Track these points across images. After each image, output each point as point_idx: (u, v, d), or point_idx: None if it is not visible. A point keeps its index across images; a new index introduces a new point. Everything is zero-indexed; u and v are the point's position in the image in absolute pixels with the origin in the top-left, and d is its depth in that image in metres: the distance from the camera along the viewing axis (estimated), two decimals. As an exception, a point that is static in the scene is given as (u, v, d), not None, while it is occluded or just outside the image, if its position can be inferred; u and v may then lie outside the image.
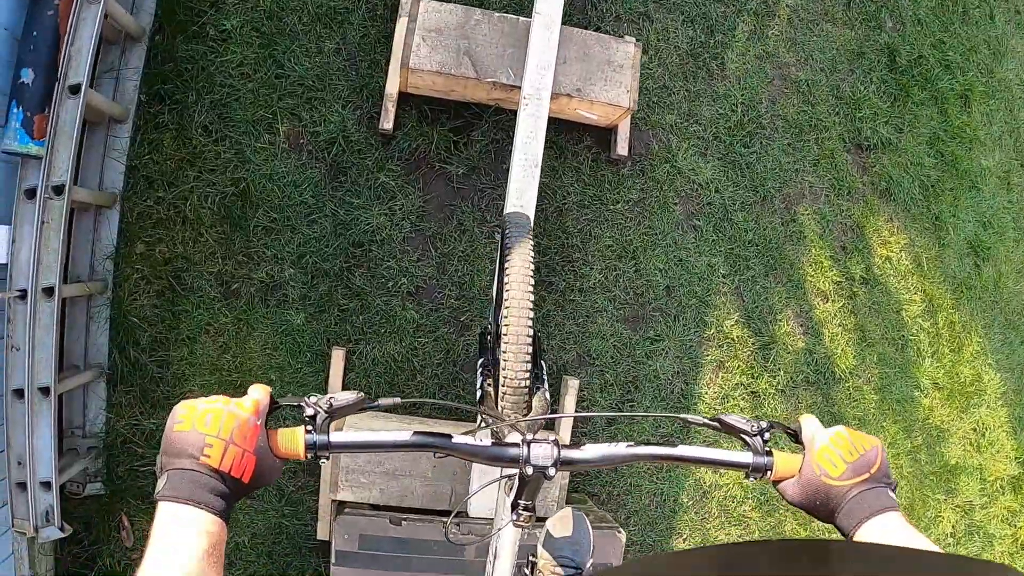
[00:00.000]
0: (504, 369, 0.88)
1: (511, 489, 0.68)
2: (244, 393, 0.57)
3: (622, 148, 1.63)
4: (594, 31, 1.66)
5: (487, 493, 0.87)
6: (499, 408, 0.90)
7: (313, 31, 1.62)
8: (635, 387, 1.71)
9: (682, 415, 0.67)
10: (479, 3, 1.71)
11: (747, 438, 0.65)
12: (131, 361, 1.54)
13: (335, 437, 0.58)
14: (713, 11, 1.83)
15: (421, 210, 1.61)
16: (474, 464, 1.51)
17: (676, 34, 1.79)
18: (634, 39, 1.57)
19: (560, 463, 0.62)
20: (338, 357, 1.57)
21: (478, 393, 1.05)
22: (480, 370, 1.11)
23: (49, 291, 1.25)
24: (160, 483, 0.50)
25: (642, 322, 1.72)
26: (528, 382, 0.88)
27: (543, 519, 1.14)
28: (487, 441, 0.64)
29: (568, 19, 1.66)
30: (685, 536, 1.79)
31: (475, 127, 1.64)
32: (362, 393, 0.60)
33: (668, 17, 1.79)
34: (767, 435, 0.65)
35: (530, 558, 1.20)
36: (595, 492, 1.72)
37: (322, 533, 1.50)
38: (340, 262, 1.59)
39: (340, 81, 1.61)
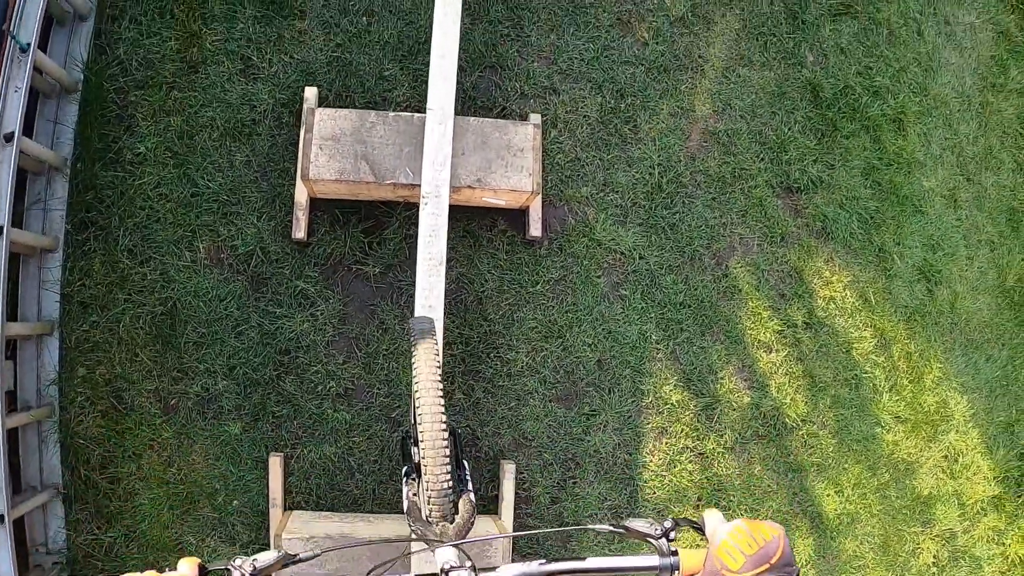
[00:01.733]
0: (425, 476, 0.91)
1: None
2: (174, 564, 0.64)
3: (535, 230, 1.65)
4: (498, 114, 1.69)
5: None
6: (425, 515, 0.93)
7: (223, 145, 1.68)
8: (576, 464, 1.73)
9: (589, 526, 0.75)
10: (384, 101, 1.73)
11: (653, 541, 0.68)
12: (83, 479, 1.63)
13: None
14: (620, 74, 1.85)
15: (342, 313, 1.65)
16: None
17: (585, 103, 1.81)
18: (536, 118, 1.60)
19: None
20: (276, 464, 1.62)
21: (404, 504, 1.06)
22: (404, 479, 1.13)
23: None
24: None
25: (576, 399, 1.74)
26: (450, 486, 0.91)
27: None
28: None
29: (473, 102, 1.70)
30: None
31: (386, 225, 1.68)
32: (284, 551, 0.67)
33: (575, 87, 1.81)
34: (672, 534, 0.68)
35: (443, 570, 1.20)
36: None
37: None
38: (269, 371, 1.64)
39: (253, 193, 1.67)
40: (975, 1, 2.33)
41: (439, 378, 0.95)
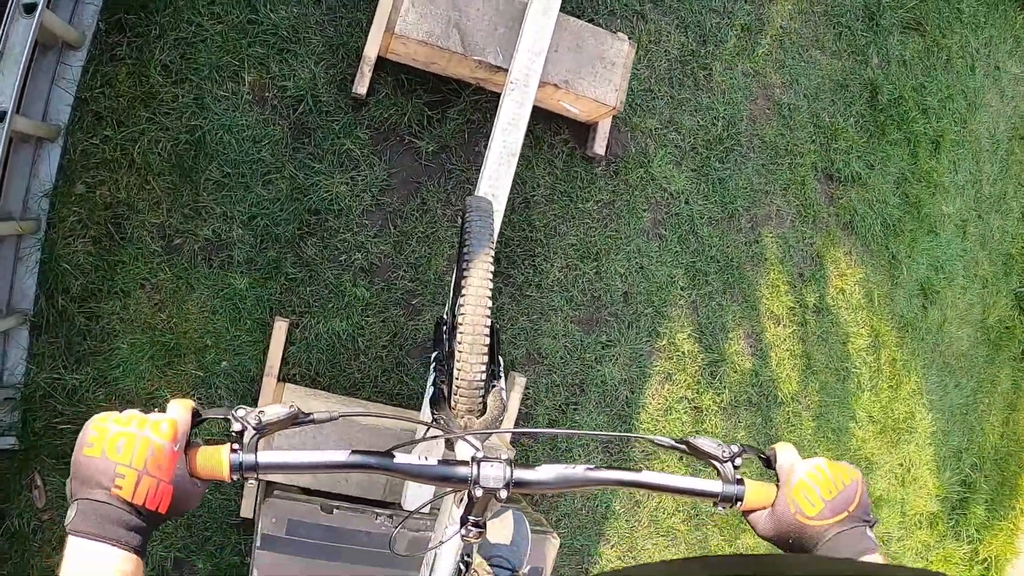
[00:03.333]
0: (459, 364, 0.84)
1: (460, 502, 0.64)
2: (164, 405, 0.54)
3: (599, 147, 1.64)
4: (588, 23, 1.65)
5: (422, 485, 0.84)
6: (452, 407, 0.87)
7: None
8: (581, 390, 1.74)
9: (649, 436, 0.66)
10: None
11: (717, 464, 0.62)
12: (58, 310, 1.47)
13: (263, 457, 0.54)
14: (708, 20, 1.85)
15: (385, 184, 1.59)
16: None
17: (668, 38, 1.80)
18: (628, 37, 1.57)
19: (513, 485, 0.59)
20: (280, 329, 1.54)
21: (429, 390, 1.02)
22: (433, 364, 1.08)
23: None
24: (70, 513, 0.47)
25: (596, 325, 1.75)
26: (484, 380, 0.84)
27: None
28: (432, 460, 0.60)
29: (562, 6, 1.67)
30: (613, 543, 1.85)
31: (452, 104, 1.62)
32: (295, 407, 0.56)
33: (663, 19, 1.80)
34: (739, 461, 0.62)
35: (465, 558, 1.15)
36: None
37: (246, 511, 1.48)
38: (293, 228, 1.55)
39: (316, 36, 1.56)
40: None
41: (491, 262, 0.87)
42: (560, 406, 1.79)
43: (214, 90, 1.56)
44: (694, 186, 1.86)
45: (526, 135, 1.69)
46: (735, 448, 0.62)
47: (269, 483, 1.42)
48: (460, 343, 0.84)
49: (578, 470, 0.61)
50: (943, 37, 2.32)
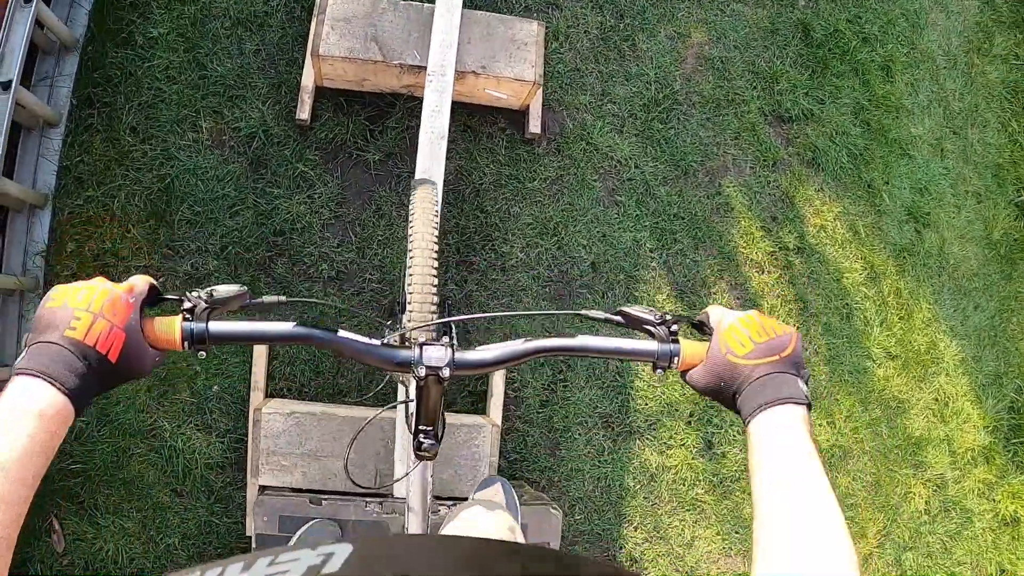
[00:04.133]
0: (410, 304, 0.82)
1: (410, 418, 0.66)
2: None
3: (535, 126, 1.72)
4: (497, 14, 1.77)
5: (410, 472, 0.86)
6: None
7: (235, 34, 1.75)
8: (567, 366, 1.75)
9: (582, 311, 0.66)
10: None
11: (652, 328, 0.63)
12: None
13: (213, 327, 0.56)
14: None
15: (340, 197, 1.70)
16: (398, 441, 1.53)
17: (585, 20, 1.91)
18: (540, 24, 1.68)
19: (454, 365, 0.60)
20: (260, 351, 1.61)
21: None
22: (387, 331, 1.13)
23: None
24: (19, 358, 0.49)
25: (569, 299, 1.77)
26: (435, 311, 0.84)
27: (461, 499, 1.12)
28: (376, 341, 0.60)
29: (475, 6, 1.78)
30: (636, 523, 1.79)
31: (390, 115, 1.75)
32: (244, 287, 0.59)
33: (576, 4, 1.92)
34: (675, 327, 0.63)
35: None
36: (534, 479, 1.72)
37: (251, 528, 1.51)
38: (262, 251, 1.66)
39: (260, 79, 1.73)
40: (959, -32, 2.51)
41: (436, 210, 0.90)
42: (548, 385, 1.79)
43: (177, 141, 1.73)
44: (640, 150, 1.92)
45: (464, 131, 1.79)
46: (668, 315, 0.63)
47: (263, 487, 1.45)
48: (410, 283, 0.82)
49: (516, 343, 0.62)
50: None
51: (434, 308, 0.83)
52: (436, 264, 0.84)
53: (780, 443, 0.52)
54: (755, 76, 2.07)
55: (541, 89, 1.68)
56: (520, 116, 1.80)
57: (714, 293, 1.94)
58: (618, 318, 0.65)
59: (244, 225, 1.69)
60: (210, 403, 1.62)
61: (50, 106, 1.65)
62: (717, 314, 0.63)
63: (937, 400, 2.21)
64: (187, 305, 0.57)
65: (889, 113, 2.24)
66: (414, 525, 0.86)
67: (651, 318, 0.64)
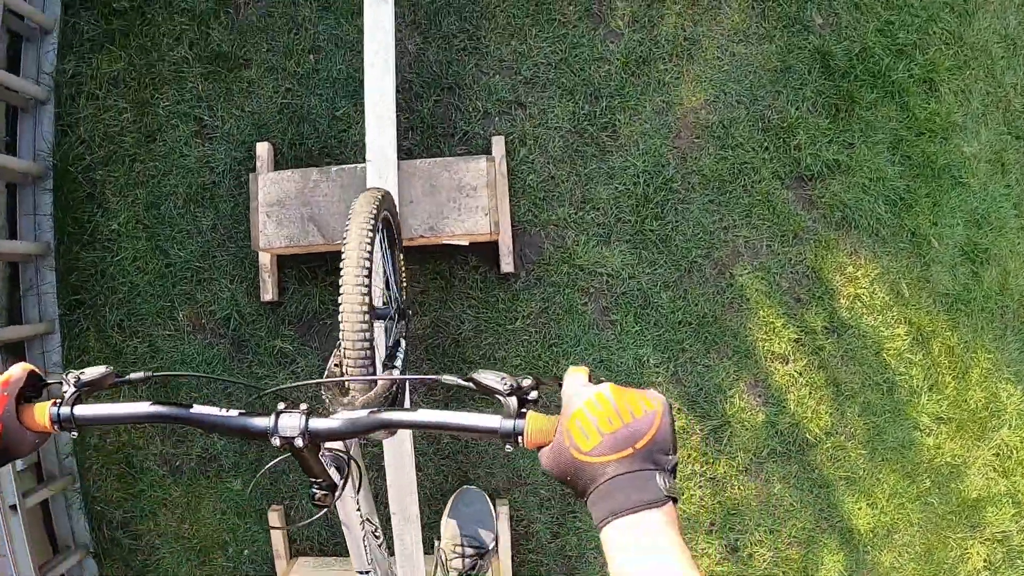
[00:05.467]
0: (342, 339, 0.81)
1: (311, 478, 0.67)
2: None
3: (507, 265, 1.36)
4: (460, 139, 1.46)
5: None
6: (344, 386, 0.86)
7: (188, 212, 1.48)
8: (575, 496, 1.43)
9: (441, 376, 0.60)
10: (340, 143, 1.57)
11: (501, 398, 0.55)
12: (108, 539, 1.64)
13: (78, 411, 0.59)
14: (593, 73, 1.47)
15: (321, 367, 1.41)
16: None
17: (555, 112, 1.45)
18: (499, 141, 1.46)
19: (308, 434, 0.58)
20: (275, 517, 1.60)
21: (325, 372, 0.99)
22: (333, 353, 1.04)
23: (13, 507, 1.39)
24: None
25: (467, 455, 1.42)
26: (367, 355, 0.81)
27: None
28: (233, 412, 0.60)
29: (432, 131, 1.44)
30: None
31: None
32: (110, 367, 0.62)
33: (543, 96, 1.44)
34: (532, 395, 0.54)
35: (434, 540, 1.20)
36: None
37: None
38: None
39: (222, 256, 1.47)
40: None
41: (369, 242, 0.83)
42: (557, 518, 1.50)
43: (160, 332, 1.53)
44: (634, 257, 1.47)
45: (434, 278, 1.51)
46: (526, 381, 0.55)
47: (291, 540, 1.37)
48: (341, 316, 0.81)
49: (362, 414, 0.59)
50: None
51: (365, 355, 0.80)
52: (364, 310, 0.81)
53: (633, 555, 0.41)
54: (765, 134, 1.52)
55: (509, 221, 1.27)
56: (492, 247, 1.40)
57: (731, 397, 1.54)
58: (469, 384, 0.57)
59: (239, 405, 1.45)
60: (244, 566, 1.59)
61: (41, 319, 1.60)
62: (568, 388, 0.51)
63: (998, 455, 1.74)
64: (62, 388, 0.60)
65: (935, 137, 1.62)
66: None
67: (500, 387, 0.54)
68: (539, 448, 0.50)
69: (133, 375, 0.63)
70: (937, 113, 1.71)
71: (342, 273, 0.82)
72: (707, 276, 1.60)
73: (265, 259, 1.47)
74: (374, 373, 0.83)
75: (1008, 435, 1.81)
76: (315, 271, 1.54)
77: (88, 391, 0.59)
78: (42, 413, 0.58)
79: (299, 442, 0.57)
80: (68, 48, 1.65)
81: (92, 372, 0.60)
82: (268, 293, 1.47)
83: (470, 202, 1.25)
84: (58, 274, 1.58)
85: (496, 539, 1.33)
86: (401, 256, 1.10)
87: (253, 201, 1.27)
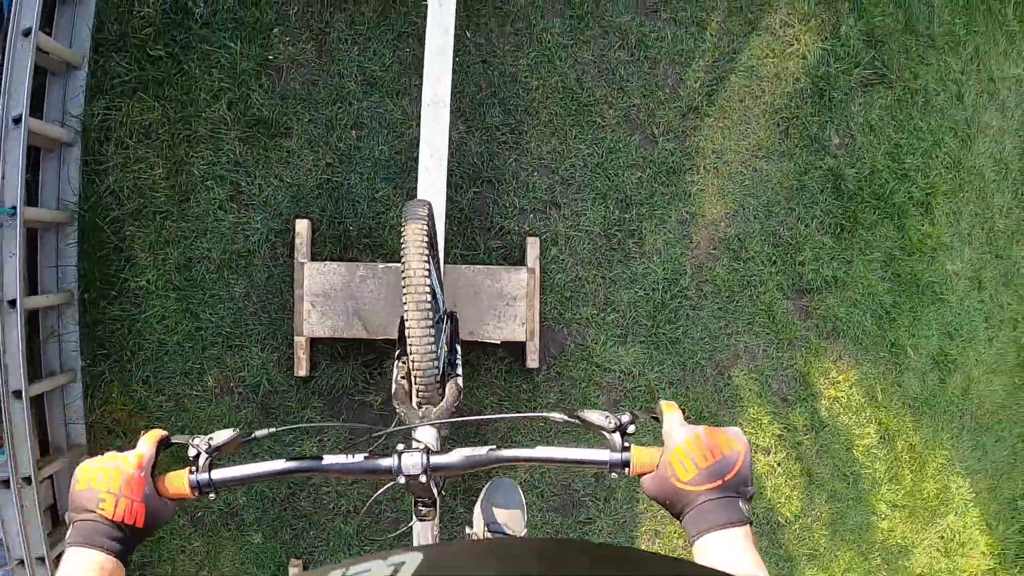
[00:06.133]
0: (411, 355, 0.88)
1: (409, 491, 0.72)
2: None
3: (532, 361, 1.52)
4: (495, 233, 1.64)
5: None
6: (412, 397, 0.93)
7: (221, 278, 1.55)
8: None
9: (545, 413, 0.70)
10: (377, 225, 1.65)
11: (606, 435, 0.64)
12: None
13: (216, 475, 0.63)
14: (626, 180, 1.60)
15: (348, 440, 1.54)
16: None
17: (587, 216, 1.58)
18: (534, 243, 1.59)
19: (430, 470, 0.65)
20: (294, 573, 1.59)
21: (392, 386, 1.06)
22: (395, 362, 1.11)
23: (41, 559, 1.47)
24: (68, 533, 0.59)
25: (572, 508, 1.63)
26: (435, 367, 0.89)
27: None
28: (359, 457, 0.66)
29: (469, 222, 1.57)
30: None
31: (387, 356, 1.53)
32: (236, 429, 0.67)
33: (577, 198, 1.57)
34: (631, 428, 0.64)
35: (466, 529, 1.25)
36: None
37: None
38: (284, 489, 1.57)
39: (254, 325, 1.56)
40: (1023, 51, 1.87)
41: (426, 254, 0.91)
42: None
43: (188, 392, 1.62)
44: (646, 356, 1.64)
45: (463, 365, 1.56)
46: (624, 417, 0.65)
47: None
48: (409, 334, 0.88)
49: (482, 451, 0.66)
50: (915, 79, 1.84)
51: (434, 368, 0.87)
52: (430, 329, 0.87)
53: (724, 559, 0.54)
54: (775, 249, 1.70)
55: (538, 324, 1.41)
56: (520, 344, 1.54)
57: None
58: (575, 421, 0.67)
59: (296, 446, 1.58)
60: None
61: (62, 368, 1.67)
62: (667, 425, 0.62)
63: (943, 538, 2.03)
64: (191, 453, 0.64)
65: (924, 257, 1.84)
66: None
67: (605, 424, 0.64)
68: (640, 475, 0.61)
69: (259, 433, 0.66)
70: (929, 235, 1.92)
71: (404, 286, 0.87)
72: (708, 376, 1.79)
73: (301, 338, 1.56)
74: (440, 377, 0.89)
75: (953, 521, 2.10)
76: (348, 350, 1.68)
77: (218, 455, 0.63)
78: (180, 482, 0.62)
79: (423, 479, 0.63)
80: (98, 89, 1.64)
81: (221, 436, 0.64)
82: (302, 370, 1.58)
83: (509, 311, 1.39)
84: (82, 326, 1.65)
85: (526, 528, 1.38)
86: (440, 262, 1.11)
87: (298, 288, 1.36)
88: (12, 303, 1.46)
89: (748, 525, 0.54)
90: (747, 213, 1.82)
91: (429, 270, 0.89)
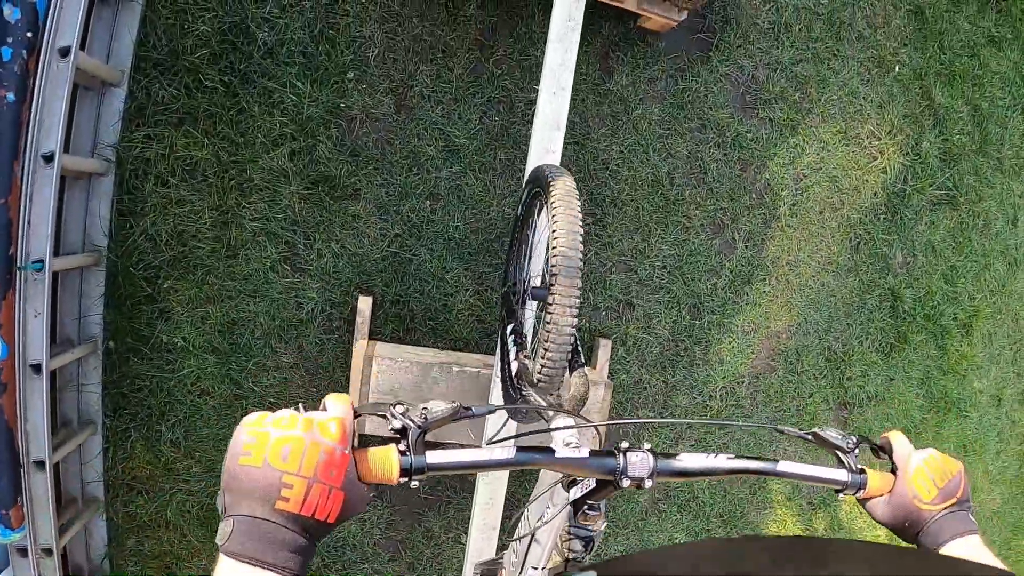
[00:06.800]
0: (548, 337, 0.80)
1: (570, 485, 0.66)
2: (317, 406, 0.48)
3: None
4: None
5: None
6: (535, 380, 0.85)
7: (268, 345, 1.49)
8: None
9: (778, 426, 0.69)
10: (444, 308, 1.59)
11: (841, 455, 0.65)
12: None
13: (431, 458, 0.50)
14: (703, 285, 1.62)
15: (389, 519, 1.57)
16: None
17: (659, 319, 1.60)
18: (606, 344, 1.57)
19: (657, 473, 0.59)
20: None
21: (513, 365, 0.97)
22: (512, 337, 1.02)
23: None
24: (224, 529, 0.42)
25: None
26: (570, 352, 0.82)
27: None
28: (584, 452, 0.59)
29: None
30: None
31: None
32: (457, 403, 0.54)
33: (652, 299, 1.59)
34: (857, 451, 0.66)
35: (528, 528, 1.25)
36: None
37: None
38: (318, 562, 1.53)
39: (302, 399, 1.44)
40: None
41: (581, 222, 0.83)
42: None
43: (221, 457, 1.49)
44: (693, 462, 1.67)
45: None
46: (854, 439, 0.67)
47: None
48: (552, 312, 0.81)
49: (720, 459, 0.63)
50: (979, 201, 1.92)
51: (569, 353, 0.82)
52: (578, 309, 0.82)
53: (973, 559, 0.61)
54: (828, 363, 1.77)
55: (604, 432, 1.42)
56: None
57: None
58: (810, 437, 0.67)
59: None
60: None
61: (80, 413, 1.56)
62: (902, 450, 0.66)
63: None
64: (394, 425, 0.50)
65: (957, 376, 1.94)
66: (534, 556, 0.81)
67: (842, 444, 0.66)
68: (866, 499, 0.64)
69: (476, 408, 0.55)
70: (966, 355, 2.04)
71: (554, 242, 0.79)
72: (748, 480, 1.87)
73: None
74: (568, 366, 0.82)
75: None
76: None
77: (432, 430, 0.51)
78: (387, 463, 0.47)
79: (648, 483, 0.58)
80: (137, 114, 1.47)
81: (439, 408, 0.51)
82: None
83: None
84: (105, 378, 1.55)
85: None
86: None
87: (364, 386, 1.28)
88: (37, 368, 1.33)
89: (977, 535, 0.59)
90: (808, 326, 1.88)
91: (583, 227, 0.80)
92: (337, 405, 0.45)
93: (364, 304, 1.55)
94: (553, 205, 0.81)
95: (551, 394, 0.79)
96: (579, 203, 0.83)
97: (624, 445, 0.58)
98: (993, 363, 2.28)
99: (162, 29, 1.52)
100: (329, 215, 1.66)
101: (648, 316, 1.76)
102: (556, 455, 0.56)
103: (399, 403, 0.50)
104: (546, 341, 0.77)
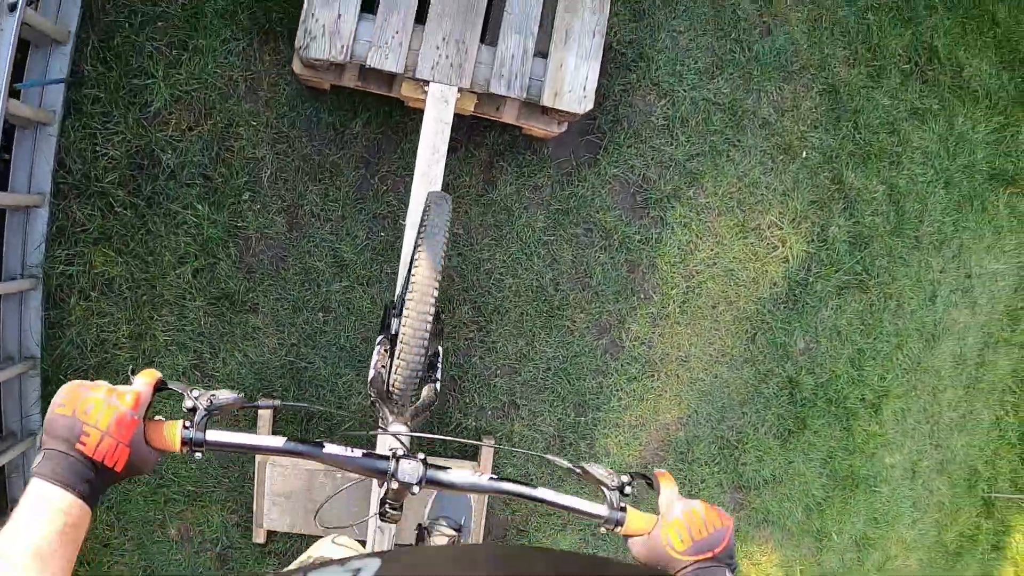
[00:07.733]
0: (400, 348, 0.91)
1: (381, 486, 0.75)
2: (132, 378, 0.66)
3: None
4: (453, 429, 1.74)
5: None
6: (388, 388, 0.98)
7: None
8: None
9: (547, 455, 0.76)
10: (340, 410, 1.76)
11: (606, 491, 0.70)
12: None
13: (211, 436, 0.63)
14: (588, 385, 1.80)
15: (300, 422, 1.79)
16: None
17: (543, 417, 2.05)
18: (490, 442, 1.67)
19: (425, 481, 0.67)
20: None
21: (370, 372, 1.09)
22: (377, 348, 1.14)
23: None
24: (37, 459, 0.58)
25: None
26: (422, 364, 0.93)
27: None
28: (357, 452, 0.68)
29: (431, 415, 1.64)
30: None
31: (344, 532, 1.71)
32: (241, 394, 0.67)
33: (536, 399, 1.77)
34: (627, 489, 0.71)
35: (420, 524, 1.32)
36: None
37: None
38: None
39: (215, 487, 1.72)
40: (1005, 246, 1.94)
41: (445, 243, 0.95)
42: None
43: (151, 536, 1.76)
44: (581, 544, 1.85)
45: None
46: (624, 478, 0.71)
47: None
48: (404, 326, 0.91)
49: (483, 479, 0.69)
50: (892, 282, 1.99)
51: (421, 365, 0.93)
52: (429, 324, 0.92)
53: None
54: (720, 451, 1.91)
55: (484, 519, 1.64)
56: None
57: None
58: (578, 471, 0.73)
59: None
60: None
61: (8, 504, 1.75)
62: (664, 498, 0.71)
63: None
64: (187, 404, 0.65)
65: (864, 455, 2.06)
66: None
67: (607, 482, 0.71)
68: (628, 536, 0.68)
69: (262, 402, 0.69)
70: (874, 434, 2.11)
71: (414, 273, 0.88)
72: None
73: (260, 529, 1.77)
74: (421, 382, 0.91)
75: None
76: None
77: (216, 415, 0.62)
78: (172, 434, 0.60)
79: (416, 489, 0.64)
80: (59, 234, 1.70)
81: (224, 396, 0.63)
82: (259, 538, 1.78)
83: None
84: None
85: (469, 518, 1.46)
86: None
87: (260, 486, 1.49)
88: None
89: None
90: (699, 417, 2.00)
91: (444, 260, 0.90)
92: (140, 380, 0.61)
93: (264, 412, 1.84)
94: (422, 233, 0.90)
95: (403, 404, 0.87)
96: (445, 234, 0.90)
97: (400, 452, 0.65)
98: (907, 437, 2.31)
99: (76, 154, 1.71)
100: (231, 327, 1.87)
101: (533, 415, 1.96)
102: (324, 450, 0.62)
103: (197, 388, 0.63)
104: (397, 365, 0.86)
